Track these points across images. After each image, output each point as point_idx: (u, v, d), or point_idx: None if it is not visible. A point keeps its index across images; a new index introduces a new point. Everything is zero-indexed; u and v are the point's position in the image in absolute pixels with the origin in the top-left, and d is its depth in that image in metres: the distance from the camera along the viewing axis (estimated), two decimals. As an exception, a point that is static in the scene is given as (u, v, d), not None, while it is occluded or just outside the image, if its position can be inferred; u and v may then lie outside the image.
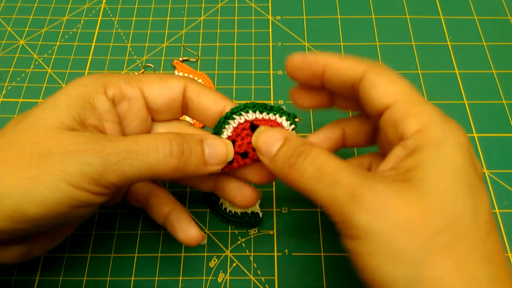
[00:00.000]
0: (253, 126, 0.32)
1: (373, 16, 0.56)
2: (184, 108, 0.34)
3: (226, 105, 0.32)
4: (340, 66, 0.30)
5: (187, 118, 0.45)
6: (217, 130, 0.32)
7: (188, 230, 0.34)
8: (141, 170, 0.27)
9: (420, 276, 0.22)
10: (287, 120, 0.32)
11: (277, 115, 0.32)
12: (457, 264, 0.22)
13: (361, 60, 0.30)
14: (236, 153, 0.32)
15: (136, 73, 0.51)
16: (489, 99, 0.49)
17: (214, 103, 0.33)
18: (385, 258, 0.23)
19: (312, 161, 0.27)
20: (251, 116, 0.32)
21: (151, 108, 0.33)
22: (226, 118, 0.32)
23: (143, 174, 0.27)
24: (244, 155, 0.32)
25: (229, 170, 0.32)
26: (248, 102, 0.32)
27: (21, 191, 0.25)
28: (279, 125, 0.32)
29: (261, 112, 0.32)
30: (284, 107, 0.33)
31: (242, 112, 0.32)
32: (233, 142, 0.32)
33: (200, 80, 0.51)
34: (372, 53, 0.53)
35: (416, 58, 0.53)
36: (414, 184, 0.24)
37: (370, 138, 0.34)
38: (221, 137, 0.32)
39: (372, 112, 0.29)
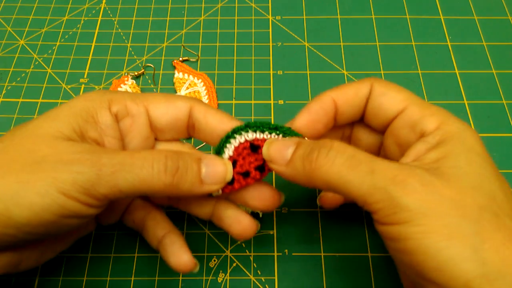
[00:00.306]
0: (252, 146, 0.31)
1: (373, 16, 0.56)
2: (190, 128, 0.33)
3: (233, 126, 0.32)
4: (347, 93, 0.32)
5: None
6: (219, 150, 0.32)
7: (180, 255, 0.33)
8: (134, 183, 0.27)
9: (478, 248, 0.23)
10: None
11: (280, 135, 0.31)
12: (508, 235, 0.23)
13: (359, 81, 0.32)
14: (237, 173, 0.31)
15: (136, 73, 0.51)
16: (489, 99, 0.50)
17: (220, 123, 0.32)
18: (438, 236, 0.23)
19: (339, 153, 0.26)
20: (251, 136, 0.31)
21: (155, 127, 0.33)
22: (228, 137, 0.31)
23: (136, 188, 0.27)
24: (246, 174, 0.31)
25: (230, 191, 0.32)
26: (252, 121, 0.32)
27: (11, 194, 0.25)
28: None
29: (262, 132, 0.31)
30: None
31: (242, 132, 0.31)
32: (235, 162, 0.31)
33: (199, 80, 0.51)
34: (372, 53, 0.53)
35: (416, 58, 0.53)
36: (447, 171, 0.25)
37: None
38: (221, 157, 0.31)
39: (381, 120, 0.31)
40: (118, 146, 0.31)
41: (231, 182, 0.31)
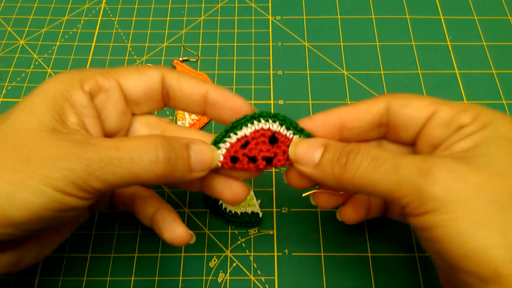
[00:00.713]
0: (273, 138, 0.31)
1: (373, 16, 0.56)
2: (165, 97, 0.33)
3: (208, 88, 0.31)
4: (359, 109, 0.31)
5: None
6: (237, 125, 0.31)
7: (173, 229, 0.33)
8: (124, 177, 0.27)
9: (507, 234, 0.23)
10: None
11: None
12: None
13: (373, 98, 0.31)
14: (244, 154, 0.31)
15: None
16: (489, 99, 0.50)
17: (195, 88, 0.32)
18: (465, 223, 0.23)
19: (364, 156, 0.27)
20: (275, 127, 0.31)
21: (129, 99, 0.32)
22: (253, 117, 0.31)
23: (127, 181, 0.27)
24: (251, 159, 0.31)
25: (229, 168, 0.31)
26: (278, 113, 0.31)
27: (5, 196, 0.25)
28: None
29: (287, 129, 0.31)
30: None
31: (270, 119, 0.31)
32: (247, 143, 0.31)
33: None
34: (372, 53, 0.53)
35: (416, 58, 0.53)
36: (475, 159, 0.25)
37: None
38: (207, 143, 0.31)
39: (412, 130, 0.30)
40: (98, 125, 0.31)
41: (234, 160, 0.31)
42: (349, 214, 0.35)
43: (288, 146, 0.31)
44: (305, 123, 0.32)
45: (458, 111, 0.28)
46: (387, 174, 0.26)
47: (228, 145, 0.31)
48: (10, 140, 0.27)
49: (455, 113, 0.28)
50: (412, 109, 0.30)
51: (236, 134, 0.31)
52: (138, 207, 0.36)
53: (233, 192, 0.33)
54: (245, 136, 0.31)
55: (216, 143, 0.31)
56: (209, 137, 0.32)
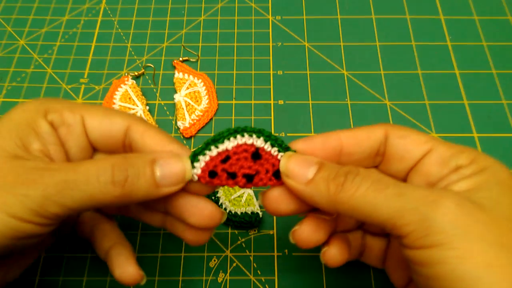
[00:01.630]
0: (256, 153, 0.29)
1: (373, 16, 0.56)
2: (127, 147, 0.31)
3: (173, 149, 0.30)
4: (359, 135, 0.30)
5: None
6: (218, 138, 0.29)
7: (125, 267, 0.32)
8: (82, 200, 0.26)
9: None
10: None
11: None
12: None
13: (372, 125, 0.31)
14: (223, 170, 0.29)
15: (136, 73, 0.51)
16: (489, 99, 0.50)
17: (158, 146, 0.30)
18: (475, 262, 0.22)
19: (365, 178, 0.26)
20: (259, 143, 0.29)
21: (89, 139, 0.31)
22: (236, 131, 0.29)
23: (86, 204, 0.26)
24: (231, 176, 0.29)
25: (207, 183, 0.29)
26: (265, 130, 0.30)
27: None
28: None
29: (272, 146, 0.29)
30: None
31: (254, 135, 0.29)
32: (228, 157, 0.29)
33: (199, 80, 0.51)
34: (372, 53, 0.53)
35: (416, 58, 0.53)
36: (479, 201, 0.25)
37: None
38: (177, 156, 0.29)
39: (406, 163, 0.30)
40: (62, 153, 0.31)
41: (213, 175, 0.29)
42: (334, 255, 0.32)
43: (272, 164, 0.30)
44: (302, 144, 0.30)
45: (455, 152, 0.28)
46: (389, 199, 0.25)
47: (207, 158, 0.29)
48: None
49: (452, 153, 0.28)
50: (410, 142, 0.29)
51: (217, 147, 0.29)
52: (96, 239, 0.34)
53: (193, 235, 0.32)
54: (227, 150, 0.29)
55: (195, 155, 0.29)
56: (186, 152, 0.30)
